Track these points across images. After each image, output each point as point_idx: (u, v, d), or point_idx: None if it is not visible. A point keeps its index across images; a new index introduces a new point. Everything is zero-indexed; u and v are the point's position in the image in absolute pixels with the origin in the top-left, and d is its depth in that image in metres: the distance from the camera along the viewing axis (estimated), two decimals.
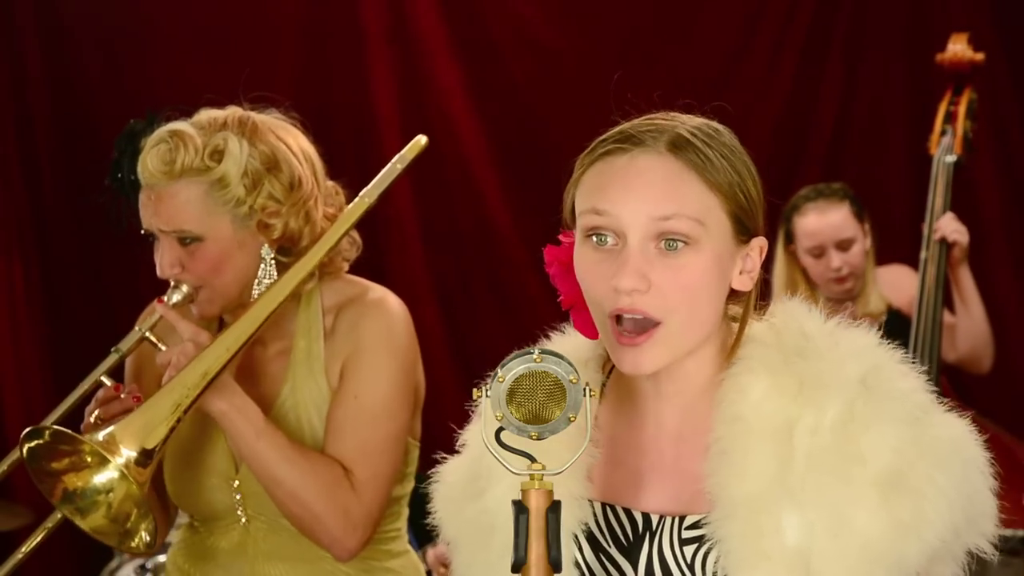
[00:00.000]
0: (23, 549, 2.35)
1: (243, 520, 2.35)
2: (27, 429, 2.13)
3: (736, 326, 1.66)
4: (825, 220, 4.08)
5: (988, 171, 4.76)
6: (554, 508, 1.48)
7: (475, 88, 4.96)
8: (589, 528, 1.65)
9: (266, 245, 2.29)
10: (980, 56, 3.95)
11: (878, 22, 4.94)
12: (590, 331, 1.68)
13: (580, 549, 1.65)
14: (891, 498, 1.55)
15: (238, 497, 2.34)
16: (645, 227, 1.57)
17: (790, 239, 4.15)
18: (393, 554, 2.44)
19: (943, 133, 3.92)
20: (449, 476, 1.77)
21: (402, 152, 2.45)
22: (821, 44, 4.94)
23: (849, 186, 4.18)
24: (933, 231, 3.85)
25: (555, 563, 1.48)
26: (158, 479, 2.39)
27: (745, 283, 1.64)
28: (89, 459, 2.12)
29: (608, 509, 1.66)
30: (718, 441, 1.59)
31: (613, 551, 1.65)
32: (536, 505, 1.48)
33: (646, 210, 1.56)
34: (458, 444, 1.78)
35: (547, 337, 1.74)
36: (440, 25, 4.94)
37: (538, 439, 1.52)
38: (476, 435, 1.73)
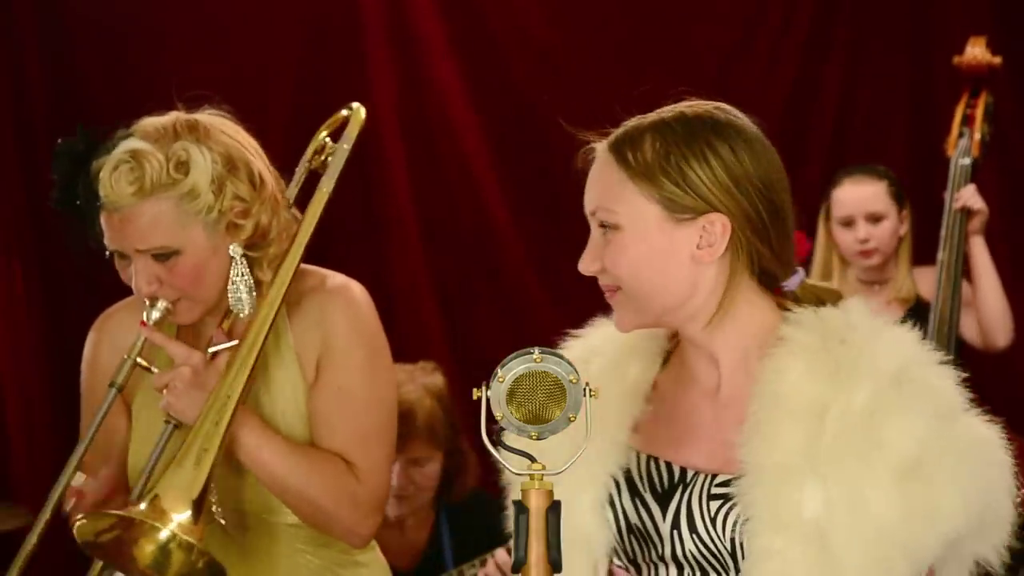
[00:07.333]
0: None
1: (214, 508, 2.30)
2: (78, 521, 2.15)
3: (786, 314, 1.77)
4: (858, 190, 4.10)
5: (988, 173, 4.75)
6: (554, 508, 1.49)
7: (475, 88, 4.95)
8: (630, 473, 1.79)
9: (234, 244, 2.26)
10: (998, 60, 3.98)
11: (878, 22, 4.93)
12: None
13: (618, 490, 1.78)
14: (907, 487, 1.62)
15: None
16: (592, 218, 1.80)
17: (828, 214, 4.16)
18: (363, 548, 2.42)
19: (960, 135, 3.97)
20: None
21: (346, 132, 2.45)
22: (821, 44, 4.94)
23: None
24: (954, 200, 3.87)
25: (555, 563, 1.48)
26: (121, 466, 2.38)
27: (706, 256, 1.73)
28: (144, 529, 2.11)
29: (651, 460, 1.79)
30: (754, 414, 1.70)
31: (648, 496, 1.76)
32: (536, 505, 1.49)
33: (588, 205, 1.80)
34: None
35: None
36: (440, 25, 4.93)
37: (538, 439, 1.52)
38: None
